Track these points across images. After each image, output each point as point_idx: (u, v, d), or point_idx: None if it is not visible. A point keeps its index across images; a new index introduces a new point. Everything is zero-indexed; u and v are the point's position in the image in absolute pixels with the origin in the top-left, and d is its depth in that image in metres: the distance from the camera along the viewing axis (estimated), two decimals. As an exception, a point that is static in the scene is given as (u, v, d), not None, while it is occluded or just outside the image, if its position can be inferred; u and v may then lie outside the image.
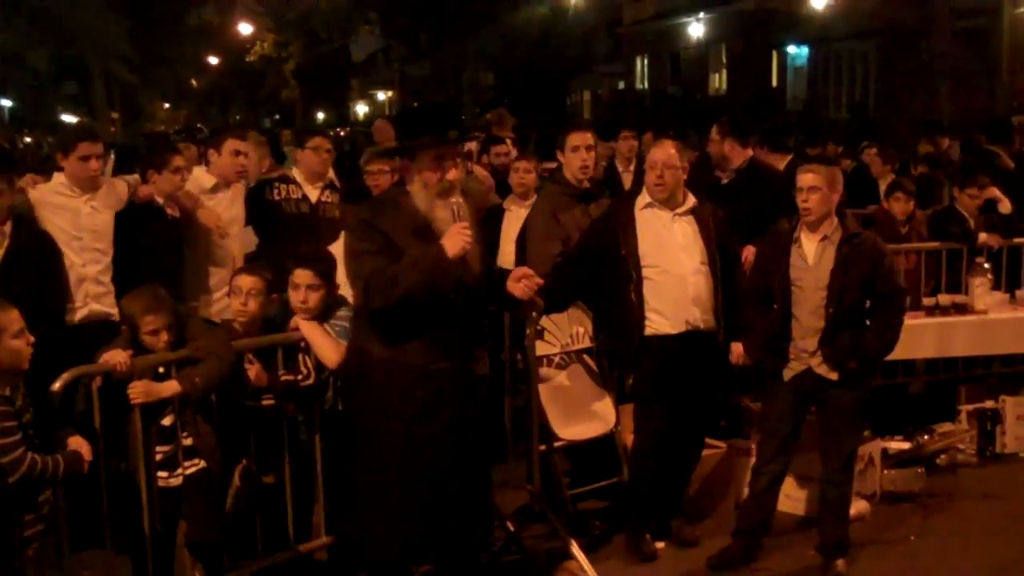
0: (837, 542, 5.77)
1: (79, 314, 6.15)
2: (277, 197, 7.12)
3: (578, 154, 6.49)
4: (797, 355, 5.63)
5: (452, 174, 4.85)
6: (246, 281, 5.41)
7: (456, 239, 4.70)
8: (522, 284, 4.99)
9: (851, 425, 5.77)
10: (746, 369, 6.27)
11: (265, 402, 5.37)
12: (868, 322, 5.66)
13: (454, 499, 4.91)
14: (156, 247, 6.41)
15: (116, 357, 4.87)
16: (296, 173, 7.31)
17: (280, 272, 5.66)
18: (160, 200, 6.51)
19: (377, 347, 4.86)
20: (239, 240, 7.02)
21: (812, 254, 5.59)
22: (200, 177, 6.88)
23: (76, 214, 6.18)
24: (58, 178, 6.26)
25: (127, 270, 6.24)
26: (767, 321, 5.69)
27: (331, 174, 8.58)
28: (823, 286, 5.52)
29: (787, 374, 5.66)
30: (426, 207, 4.85)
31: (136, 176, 6.66)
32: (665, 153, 5.85)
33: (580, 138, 6.54)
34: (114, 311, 6.14)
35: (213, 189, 6.82)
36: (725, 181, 7.45)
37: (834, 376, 5.59)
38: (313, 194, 7.19)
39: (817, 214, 5.55)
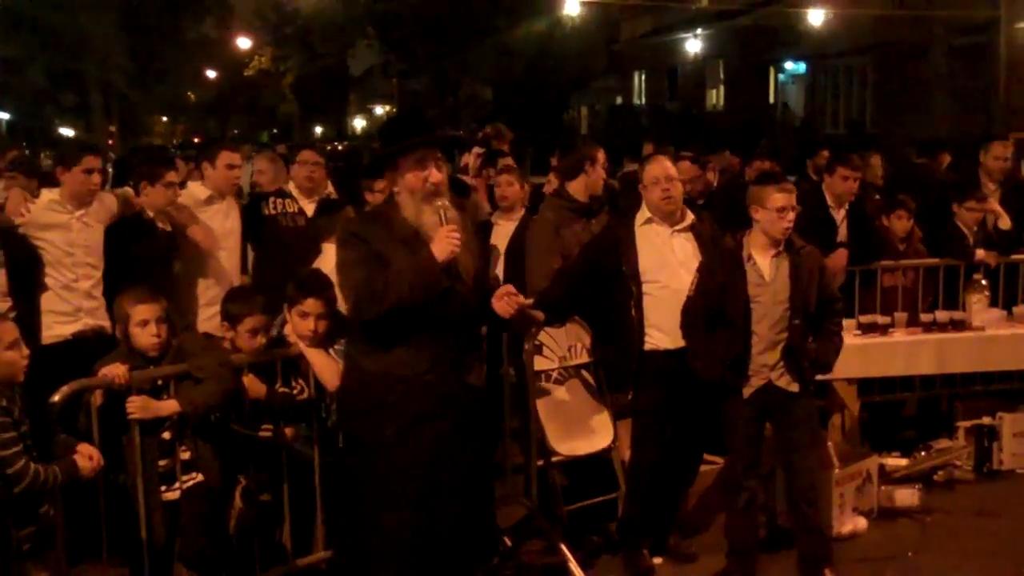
0: (819, 556, 5.78)
1: (72, 328, 6.17)
2: (273, 211, 7.19)
3: (605, 170, 6.69)
4: (756, 371, 5.62)
5: (435, 176, 4.73)
6: (259, 320, 5.39)
7: (444, 243, 4.61)
8: (503, 302, 4.89)
9: (814, 436, 5.82)
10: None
11: (262, 433, 5.36)
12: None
13: (453, 516, 4.83)
14: (147, 261, 6.38)
15: (114, 371, 4.87)
16: (292, 188, 7.38)
17: (277, 287, 5.67)
18: (151, 213, 6.51)
19: (367, 359, 4.79)
20: (235, 254, 7.03)
21: (767, 269, 5.59)
22: (195, 190, 6.91)
23: (68, 230, 6.19)
24: (47, 195, 6.26)
25: (118, 284, 6.20)
26: (727, 340, 5.59)
27: (330, 188, 8.60)
28: (781, 299, 5.54)
29: (747, 391, 5.65)
30: (413, 214, 4.73)
31: (128, 189, 6.66)
32: (663, 167, 5.89)
33: (604, 154, 6.72)
34: (107, 323, 6.17)
35: (207, 201, 6.85)
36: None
37: (795, 388, 5.62)
38: (309, 208, 7.21)
39: (789, 232, 5.60)
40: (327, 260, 6.24)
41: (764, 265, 5.60)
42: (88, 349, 5.79)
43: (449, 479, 4.81)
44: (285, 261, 6.70)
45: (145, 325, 5.03)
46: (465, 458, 4.89)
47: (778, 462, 5.92)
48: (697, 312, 5.66)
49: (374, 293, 4.58)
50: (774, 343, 5.58)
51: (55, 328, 6.13)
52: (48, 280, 6.14)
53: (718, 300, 5.61)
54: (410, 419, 4.74)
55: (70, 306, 6.18)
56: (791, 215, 5.55)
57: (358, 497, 4.92)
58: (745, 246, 5.64)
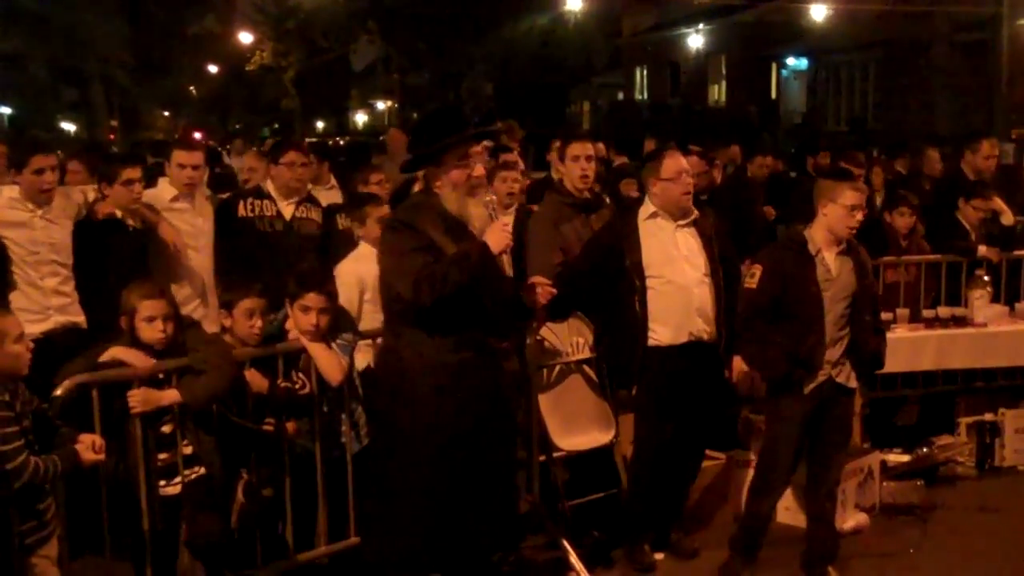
0: (827, 553, 5.79)
1: (41, 327, 6.02)
2: (250, 213, 6.88)
3: (578, 164, 6.54)
4: (820, 366, 5.59)
5: (478, 170, 4.97)
6: (255, 303, 5.38)
7: (500, 235, 4.82)
8: (539, 291, 5.14)
9: (850, 433, 5.85)
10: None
11: (265, 427, 5.37)
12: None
13: (483, 500, 4.99)
14: (119, 260, 6.29)
15: (128, 355, 4.90)
16: (271, 188, 7.00)
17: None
18: (119, 213, 6.41)
19: (410, 348, 4.93)
20: (205, 253, 6.83)
21: (833, 265, 5.57)
22: (162, 189, 6.77)
23: (30, 228, 6.11)
24: (8, 192, 6.17)
25: (93, 284, 6.22)
26: (796, 335, 5.53)
27: (333, 182, 8.51)
28: (843, 296, 5.53)
29: (808, 387, 5.58)
30: (457, 207, 4.94)
31: (87, 189, 6.61)
32: (679, 163, 5.87)
33: (581, 148, 6.60)
34: (80, 319, 6.19)
35: (172, 200, 6.70)
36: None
37: (854, 384, 5.63)
38: (288, 210, 6.91)
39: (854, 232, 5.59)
40: (362, 255, 6.15)
41: (831, 261, 5.58)
42: (59, 347, 5.73)
43: (488, 462, 5.02)
44: (262, 264, 6.57)
45: (151, 321, 5.01)
46: (501, 440, 5.14)
47: (806, 457, 5.83)
48: (759, 308, 5.60)
49: (434, 278, 4.72)
50: (835, 339, 5.56)
51: (25, 327, 6.02)
52: (16, 278, 6.06)
53: (779, 294, 5.57)
54: (454, 404, 4.90)
55: (38, 304, 6.08)
56: (859, 215, 5.53)
57: (396, 483, 5.02)
58: (810, 240, 5.59)
